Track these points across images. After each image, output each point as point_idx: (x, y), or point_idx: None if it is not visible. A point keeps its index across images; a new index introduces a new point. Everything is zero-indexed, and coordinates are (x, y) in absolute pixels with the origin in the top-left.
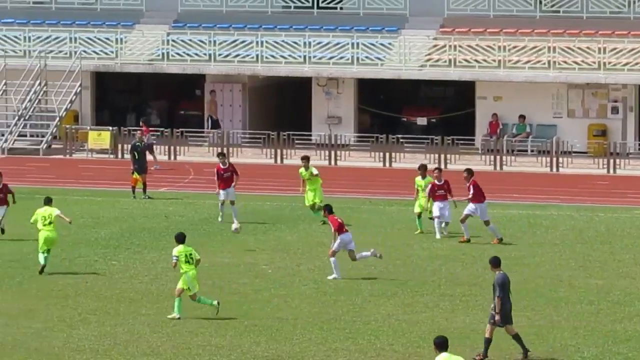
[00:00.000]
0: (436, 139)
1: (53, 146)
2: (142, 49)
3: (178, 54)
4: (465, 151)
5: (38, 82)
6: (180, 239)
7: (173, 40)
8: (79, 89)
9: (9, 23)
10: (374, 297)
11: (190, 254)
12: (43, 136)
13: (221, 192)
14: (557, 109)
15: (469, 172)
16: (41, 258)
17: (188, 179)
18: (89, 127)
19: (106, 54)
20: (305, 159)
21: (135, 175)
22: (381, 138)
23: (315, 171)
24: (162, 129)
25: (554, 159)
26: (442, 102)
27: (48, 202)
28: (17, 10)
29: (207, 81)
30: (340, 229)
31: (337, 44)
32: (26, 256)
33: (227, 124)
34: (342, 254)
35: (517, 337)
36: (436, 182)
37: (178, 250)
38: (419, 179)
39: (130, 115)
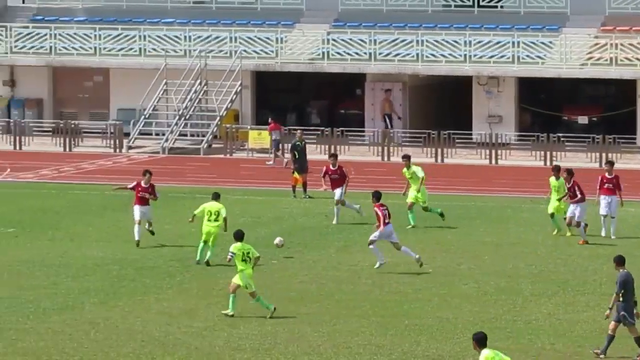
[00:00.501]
0: (597, 138)
1: (213, 145)
2: (302, 48)
3: (338, 53)
4: (627, 150)
5: (198, 81)
6: (239, 236)
7: (333, 40)
8: (239, 88)
9: (169, 23)
10: (535, 296)
11: (248, 253)
12: (203, 135)
13: (336, 191)
14: None
15: (570, 172)
16: (200, 248)
17: (349, 178)
18: (249, 127)
19: (266, 53)
20: (406, 157)
21: (296, 175)
22: (542, 137)
23: (420, 173)
24: (322, 128)
25: None
26: (603, 100)
27: (216, 197)
28: (178, 10)
29: (368, 80)
30: (383, 220)
31: (498, 42)
32: (187, 255)
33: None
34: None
35: (637, 340)
36: (607, 175)
37: (235, 247)
38: (552, 180)
39: (291, 114)
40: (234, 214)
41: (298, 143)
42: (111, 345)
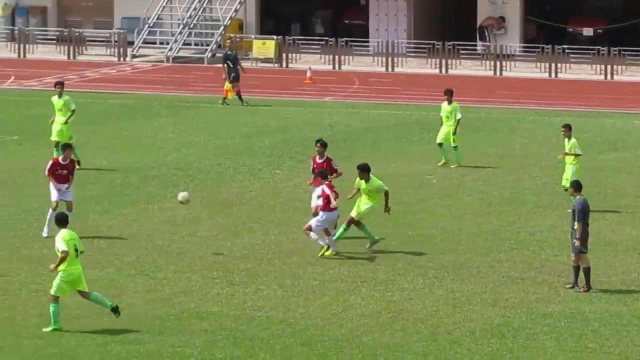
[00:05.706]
0: (602, 50)
1: (217, 55)
2: None
3: None
4: (632, 62)
5: None
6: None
7: None
8: None
9: None
10: (539, 207)
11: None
12: (208, 45)
13: None
14: None
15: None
16: None
17: (353, 88)
18: (253, 36)
19: None
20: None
21: (227, 86)
22: (547, 49)
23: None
24: (326, 38)
25: None
26: (608, 12)
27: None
28: None
29: None
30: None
31: None
32: (190, 164)
33: (392, 33)
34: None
35: (577, 269)
36: None
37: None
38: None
39: (295, 24)
40: (238, 123)
41: (230, 52)
42: (115, 253)
